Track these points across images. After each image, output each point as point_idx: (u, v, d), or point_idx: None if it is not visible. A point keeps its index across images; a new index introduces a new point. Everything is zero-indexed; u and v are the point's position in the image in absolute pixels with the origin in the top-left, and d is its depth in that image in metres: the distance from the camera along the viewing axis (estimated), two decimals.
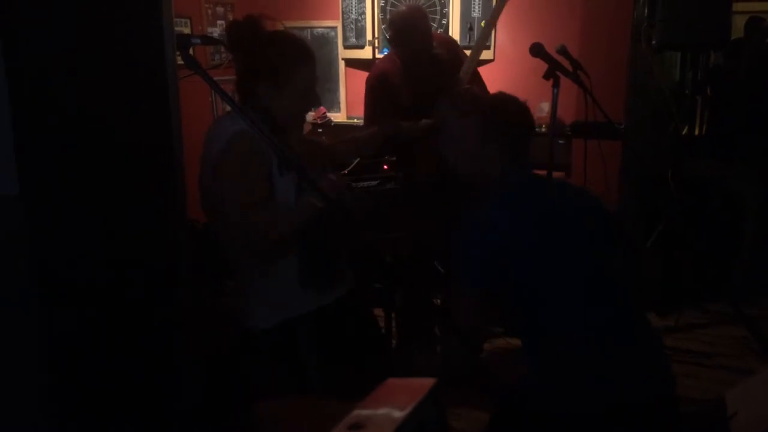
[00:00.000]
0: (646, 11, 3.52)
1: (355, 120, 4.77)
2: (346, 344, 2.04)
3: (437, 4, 4.43)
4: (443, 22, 4.45)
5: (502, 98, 1.96)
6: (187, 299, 1.43)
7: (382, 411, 0.81)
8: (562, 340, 1.72)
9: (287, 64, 1.85)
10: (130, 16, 1.22)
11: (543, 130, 3.95)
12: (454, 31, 4.40)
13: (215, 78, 1.52)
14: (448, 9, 4.40)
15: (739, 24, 4.40)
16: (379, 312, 2.08)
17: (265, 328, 1.95)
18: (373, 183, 4.15)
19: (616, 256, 1.86)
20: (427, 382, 0.87)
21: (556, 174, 4.03)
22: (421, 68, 2.96)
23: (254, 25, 1.85)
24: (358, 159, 4.05)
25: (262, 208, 1.82)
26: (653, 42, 3.36)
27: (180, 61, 1.41)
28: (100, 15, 1.16)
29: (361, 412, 0.81)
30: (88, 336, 1.32)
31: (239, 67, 1.91)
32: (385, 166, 4.17)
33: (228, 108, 1.69)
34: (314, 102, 1.96)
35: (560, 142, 4.06)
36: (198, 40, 1.46)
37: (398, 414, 0.80)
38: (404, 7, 2.89)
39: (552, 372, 1.73)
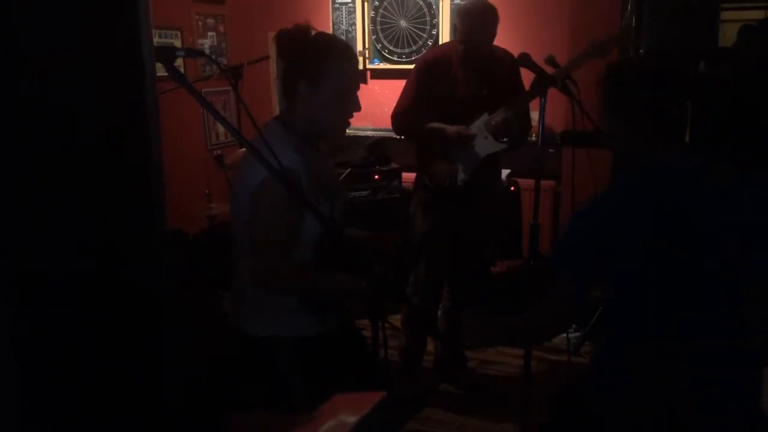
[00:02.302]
0: (633, 20, 3.55)
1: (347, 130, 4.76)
2: (337, 373, 1.99)
3: (426, 14, 4.45)
4: (433, 32, 4.47)
5: (639, 61, 1.75)
6: (172, 312, 1.42)
7: (332, 422, 0.82)
8: (644, 353, 1.57)
9: (324, 56, 1.87)
10: (105, 25, 1.22)
11: (533, 138, 3.98)
12: (444, 38, 4.41)
13: (207, 89, 1.52)
14: (438, 18, 4.43)
15: (727, 32, 4.44)
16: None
17: (254, 336, 1.95)
18: (364, 193, 4.17)
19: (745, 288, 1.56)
20: (375, 395, 0.88)
21: (545, 183, 4.07)
22: (480, 63, 3.01)
23: (304, 33, 1.90)
24: (349, 169, 4.08)
25: (285, 254, 1.84)
26: (640, 50, 3.39)
27: (164, 73, 1.41)
28: (77, 27, 1.16)
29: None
30: (64, 350, 1.31)
31: (284, 74, 1.95)
32: (377, 176, 4.19)
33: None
34: (353, 106, 1.96)
35: (550, 150, 4.07)
36: (183, 52, 1.46)
37: (350, 419, 0.81)
38: (476, 3, 2.98)
39: (627, 378, 1.59)
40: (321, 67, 1.87)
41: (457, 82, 3.06)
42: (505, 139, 3.05)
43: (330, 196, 1.92)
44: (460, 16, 3.03)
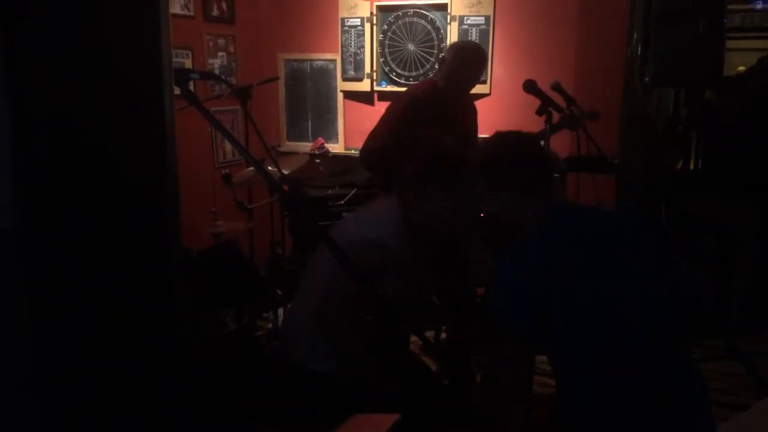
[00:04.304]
0: (639, 49, 3.58)
1: (353, 151, 4.81)
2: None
3: (434, 38, 4.50)
4: (440, 56, 4.51)
5: (499, 141, 1.92)
6: (182, 330, 1.44)
7: None
8: (598, 382, 1.64)
9: (462, 176, 1.98)
10: (129, 49, 1.26)
11: None
12: None
13: (216, 108, 1.55)
14: (445, 43, 4.48)
15: (733, 61, 4.47)
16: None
17: (292, 362, 2.03)
18: None
19: (658, 287, 1.74)
20: (390, 417, 0.88)
21: None
22: (459, 106, 3.04)
23: (460, 161, 2.04)
24: (354, 189, 4.10)
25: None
26: (646, 79, 3.42)
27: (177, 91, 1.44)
28: (99, 50, 1.19)
29: None
30: (83, 368, 1.33)
31: (426, 174, 2.04)
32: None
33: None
34: (459, 225, 2.08)
35: (555, 176, 4.09)
36: (197, 75, 1.49)
37: None
38: (471, 42, 3.02)
39: (588, 414, 1.66)
40: (457, 185, 2.00)
41: (445, 121, 3.06)
42: None
43: (402, 278, 2.00)
44: (458, 55, 3.02)
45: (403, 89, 4.59)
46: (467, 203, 2.01)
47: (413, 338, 3.33)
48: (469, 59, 2.98)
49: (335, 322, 1.92)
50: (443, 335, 3.60)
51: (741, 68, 4.22)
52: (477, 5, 4.37)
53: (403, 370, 2.04)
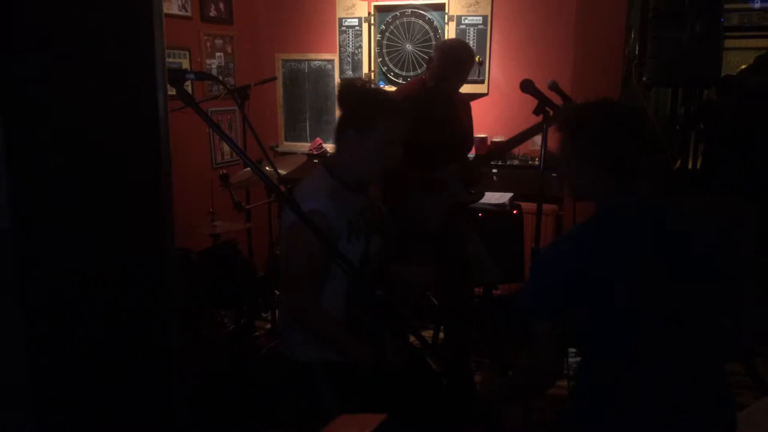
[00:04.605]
0: (636, 48, 3.58)
1: None
2: (378, 399, 2.01)
3: (432, 38, 4.50)
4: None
5: (604, 109, 1.69)
6: (177, 331, 1.44)
7: None
8: (621, 384, 1.58)
9: (377, 112, 1.98)
10: (121, 49, 1.25)
11: (535, 163, 4.00)
12: None
13: (213, 109, 1.55)
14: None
15: (731, 60, 4.48)
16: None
17: (293, 359, 2.05)
18: None
19: (718, 307, 1.62)
20: (377, 417, 0.88)
21: (547, 207, 4.08)
22: (450, 103, 3.06)
23: (364, 86, 2.08)
24: None
25: (313, 291, 1.96)
26: (644, 78, 3.41)
27: (172, 92, 1.44)
28: (91, 50, 1.18)
29: None
30: (76, 370, 1.33)
31: (338, 119, 2.08)
32: None
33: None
34: (392, 160, 2.04)
35: (552, 175, 4.09)
36: (192, 75, 1.49)
37: None
38: (457, 40, 3.02)
39: (609, 415, 1.59)
40: (371, 120, 1.97)
41: (438, 119, 3.07)
42: (473, 191, 3.11)
43: (364, 236, 2.02)
44: (445, 54, 3.03)
45: None
46: (383, 149, 1.99)
47: (412, 339, 3.33)
48: (457, 58, 2.99)
49: (303, 317, 1.99)
50: (441, 336, 3.59)
51: (744, 67, 4.21)
52: (475, 5, 4.37)
53: (398, 348, 2.05)
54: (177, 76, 1.38)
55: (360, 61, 4.70)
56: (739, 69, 4.10)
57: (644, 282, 1.56)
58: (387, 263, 2.19)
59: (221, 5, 4.55)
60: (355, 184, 2.08)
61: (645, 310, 1.55)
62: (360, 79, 2.09)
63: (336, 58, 4.79)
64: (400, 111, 2.03)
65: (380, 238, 2.11)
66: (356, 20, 4.66)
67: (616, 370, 1.59)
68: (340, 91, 2.07)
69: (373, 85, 2.14)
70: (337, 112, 2.13)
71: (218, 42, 4.54)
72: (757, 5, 4.62)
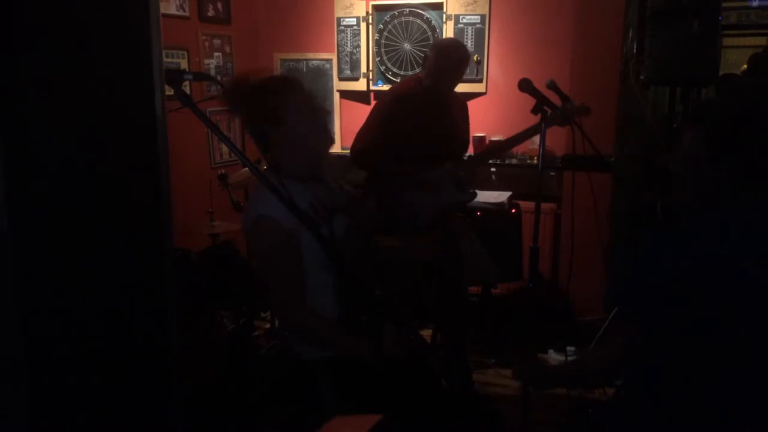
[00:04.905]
0: (634, 47, 3.58)
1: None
2: (379, 396, 1.99)
3: (430, 37, 4.50)
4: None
5: (749, 105, 1.48)
6: (176, 332, 1.44)
7: None
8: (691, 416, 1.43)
9: (275, 102, 1.90)
10: (118, 50, 1.25)
11: (534, 162, 4.01)
12: None
13: (212, 109, 1.55)
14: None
15: (729, 58, 4.47)
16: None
17: (294, 356, 2.02)
18: None
19: None
20: (372, 418, 0.88)
21: (546, 206, 4.09)
22: (446, 103, 3.07)
23: (245, 82, 1.93)
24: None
25: (296, 286, 1.91)
26: (642, 77, 3.42)
27: (170, 92, 1.44)
28: (89, 55, 1.18)
29: None
30: (76, 372, 1.33)
31: (249, 129, 1.97)
32: None
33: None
34: (321, 129, 2.01)
35: (551, 174, 4.10)
36: (190, 76, 1.49)
37: None
38: (452, 40, 3.04)
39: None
40: (276, 110, 1.90)
41: (434, 117, 3.07)
42: (466, 191, 3.12)
43: (326, 219, 1.96)
44: (441, 53, 3.04)
45: None
46: (307, 125, 1.95)
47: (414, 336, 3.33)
48: (453, 56, 3.00)
49: (286, 318, 1.98)
50: (439, 336, 3.60)
51: (745, 66, 4.21)
52: (473, 4, 4.37)
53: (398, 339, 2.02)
54: (175, 77, 1.38)
55: (358, 61, 4.70)
56: (741, 69, 4.10)
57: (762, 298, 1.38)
58: (370, 238, 2.15)
59: (219, 5, 4.55)
60: (305, 172, 2.01)
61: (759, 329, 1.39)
62: (239, 73, 1.98)
63: (334, 57, 4.79)
64: (291, 81, 1.96)
65: (344, 216, 2.05)
66: (354, 20, 4.66)
67: (696, 384, 1.46)
68: (228, 97, 1.93)
69: (250, 77, 1.95)
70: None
71: (216, 42, 4.54)
72: (755, 3, 4.62)
